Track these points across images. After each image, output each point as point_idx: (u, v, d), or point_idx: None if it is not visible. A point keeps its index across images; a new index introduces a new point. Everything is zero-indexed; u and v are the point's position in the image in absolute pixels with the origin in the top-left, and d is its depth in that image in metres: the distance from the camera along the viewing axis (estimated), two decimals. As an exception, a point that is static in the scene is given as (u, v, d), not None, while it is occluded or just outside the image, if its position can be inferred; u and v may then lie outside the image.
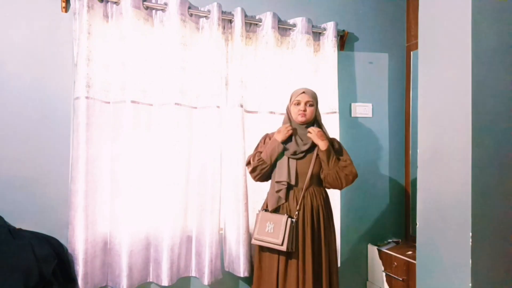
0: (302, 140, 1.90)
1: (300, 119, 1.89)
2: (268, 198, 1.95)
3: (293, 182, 1.87)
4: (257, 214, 1.94)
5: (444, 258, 1.35)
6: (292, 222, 1.82)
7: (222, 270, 2.17)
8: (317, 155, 1.89)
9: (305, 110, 1.88)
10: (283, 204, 1.89)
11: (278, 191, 1.89)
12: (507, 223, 1.31)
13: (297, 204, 1.87)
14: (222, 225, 2.20)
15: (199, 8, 2.14)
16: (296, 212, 1.86)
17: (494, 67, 1.29)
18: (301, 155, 1.90)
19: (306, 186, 1.88)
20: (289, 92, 2.05)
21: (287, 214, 1.84)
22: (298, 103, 1.90)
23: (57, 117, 1.93)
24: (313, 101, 1.91)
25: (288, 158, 1.90)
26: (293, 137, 1.91)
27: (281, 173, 1.89)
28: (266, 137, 2.00)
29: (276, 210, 1.90)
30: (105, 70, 1.95)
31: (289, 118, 1.96)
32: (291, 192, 1.90)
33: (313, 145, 1.90)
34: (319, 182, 1.95)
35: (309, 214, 1.87)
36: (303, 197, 1.88)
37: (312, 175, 1.89)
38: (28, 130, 1.89)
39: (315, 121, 1.97)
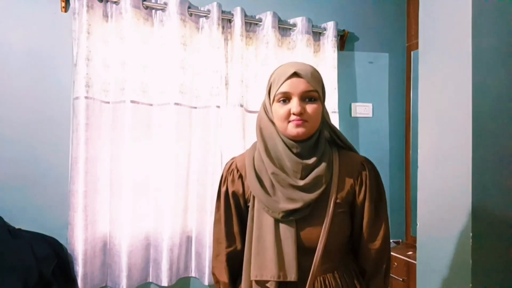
0: (300, 178, 0.95)
1: (295, 131, 0.94)
2: None
3: (292, 277, 0.93)
4: None
5: (444, 258, 1.35)
6: None
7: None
8: (337, 204, 0.97)
9: (302, 113, 0.93)
10: None
11: None
12: (507, 223, 1.31)
13: None
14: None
15: (199, 7, 2.13)
16: None
17: (494, 67, 1.29)
18: (305, 212, 0.95)
19: (317, 272, 0.96)
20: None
21: None
22: (286, 98, 0.95)
23: (57, 117, 1.93)
24: (316, 88, 0.96)
25: (277, 221, 0.95)
26: (269, 175, 0.97)
27: (262, 260, 0.95)
28: (230, 167, 1.07)
29: None
30: (104, 70, 1.94)
31: (260, 133, 1.01)
32: None
33: (328, 186, 0.97)
34: (344, 258, 1.04)
35: None
36: None
37: (327, 248, 0.95)
38: (27, 130, 1.88)
39: (323, 127, 1.02)
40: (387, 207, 1.05)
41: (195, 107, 2.12)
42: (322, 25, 2.39)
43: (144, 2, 2.00)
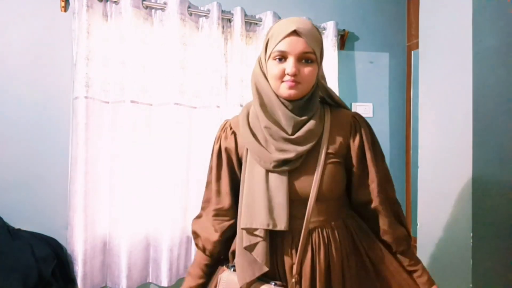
0: (291, 134, 0.95)
1: (287, 92, 0.93)
2: (236, 261, 0.98)
3: (282, 226, 0.93)
4: (218, 277, 1.02)
5: (444, 258, 1.35)
6: None
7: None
8: (328, 154, 0.97)
9: (296, 75, 0.91)
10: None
11: (250, 248, 0.95)
12: (507, 223, 1.31)
13: (292, 262, 0.95)
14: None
15: (199, 7, 2.13)
16: (293, 280, 0.94)
17: (494, 66, 1.29)
18: (296, 163, 0.95)
19: (313, 222, 0.96)
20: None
21: (274, 284, 0.94)
22: (282, 57, 0.93)
23: (56, 117, 1.93)
24: (314, 49, 0.93)
25: (268, 172, 0.96)
26: (262, 129, 0.97)
27: (251, 209, 0.95)
28: (224, 126, 1.09)
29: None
30: (104, 70, 1.94)
31: (256, 88, 0.99)
32: (280, 241, 0.98)
33: (319, 140, 0.98)
34: (341, 213, 1.03)
35: (323, 277, 0.95)
36: (304, 247, 0.95)
37: (321, 197, 0.96)
38: (27, 130, 1.88)
39: (316, 88, 1.00)
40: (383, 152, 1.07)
41: (195, 107, 2.12)
42: (322, 25, 2.39)
43: (144, 2, 2.00)
